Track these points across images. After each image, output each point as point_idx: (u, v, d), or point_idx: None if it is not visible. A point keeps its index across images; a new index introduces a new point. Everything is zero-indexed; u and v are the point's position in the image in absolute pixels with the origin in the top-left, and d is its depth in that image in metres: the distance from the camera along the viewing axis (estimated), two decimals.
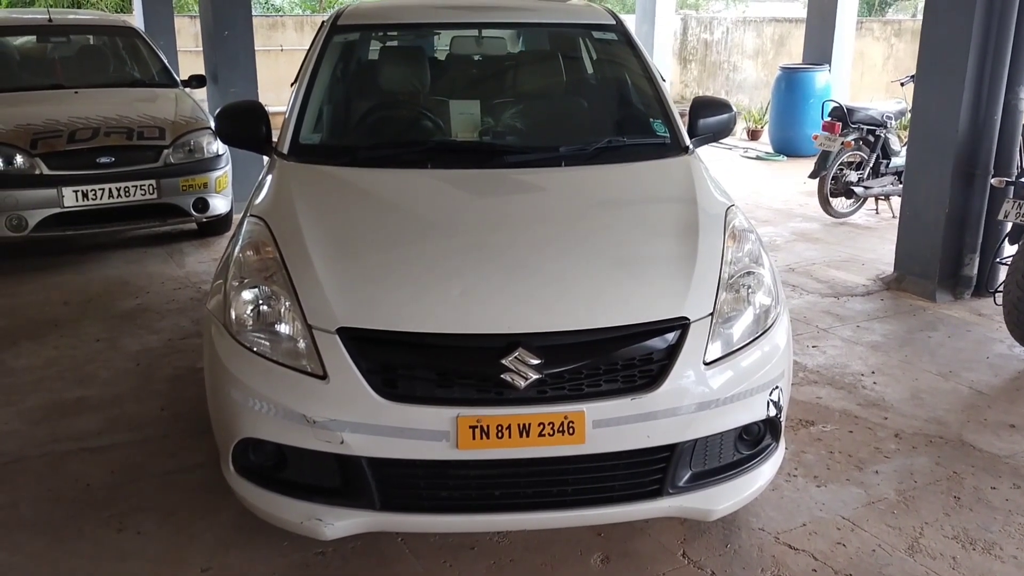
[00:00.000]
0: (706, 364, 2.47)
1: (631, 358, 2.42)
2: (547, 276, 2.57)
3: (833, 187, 7.11)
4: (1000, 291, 4.59)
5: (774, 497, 3.07)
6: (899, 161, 6.99)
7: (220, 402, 2.55)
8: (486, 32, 4.29)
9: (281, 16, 18.75)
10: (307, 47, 3.90)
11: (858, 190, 7.08)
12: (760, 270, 2.75)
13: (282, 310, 2.51)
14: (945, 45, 5.05)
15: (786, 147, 10.20)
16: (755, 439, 2.68)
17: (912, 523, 2.96)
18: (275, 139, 3.43)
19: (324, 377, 2.36)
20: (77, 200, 5.55)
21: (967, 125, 5.02)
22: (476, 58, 4.27)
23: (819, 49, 10.12)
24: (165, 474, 3.23)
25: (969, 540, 2.88)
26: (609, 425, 2.36)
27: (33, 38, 7.23)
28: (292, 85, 3.86)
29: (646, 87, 3.71)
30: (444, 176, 3.19)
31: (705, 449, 2.53)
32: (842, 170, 7.11)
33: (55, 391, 3.94)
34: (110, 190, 5.62)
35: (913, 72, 5.62)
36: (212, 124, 5.96)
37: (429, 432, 2.32)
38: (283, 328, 2.49)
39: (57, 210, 5.52)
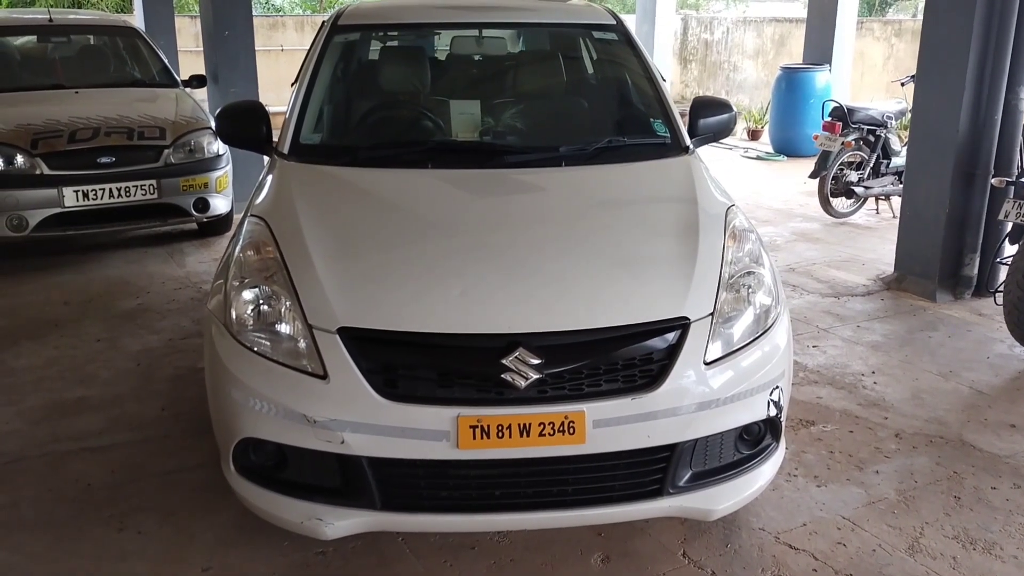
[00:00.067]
0: (706, 364, 2.47)
1: (631, 358, 2.42)
2: (547, 276, 2.57)
3: (833, 187, 7.11)
4: (1000, 291, 4.59)
5: (774, 497, 3.07)
6: (899, 161, 6.99)
7: (221, 402, 2.56)
8: (486, 32, 4.29)
9: (281, 16, 18.74)
10: (307, 47, 3.90)
11: (858, 190, 7.08)
12: (760, 270, 2.75)
13: (282, 310, 2.51)
14: (945, 45, 5.05)
15: (786, 147, 10.20)
16: (755, 439, 2.68)
17: (912, 523, 2.96)
18: (275, 139, 3.44)
19: (324, 377, 2.36)
20: (77, 200, 5.55)
21: (967, 125, 5.02)
22: (476, 58, 4.27)
23: (819, 49, 10.12)
24: (166, 474, 3.24)
25: (969, 540, 2.88)
26: (609, 425, 2.36)
27: (33, 38, 7.22)
28: (292, 85, 3.86)
29: (646, 87, 3.71)
30: (444, 176, 3.19)
31: (705, 449, 2.53)
32: (842, 170, 7.11)
33: (56, 391, 3.94)
34: (110, 190, 5.62)
35: (913, 72, 5.62)
36: (212, 124, 5.96)
37: (429, 432, 2.32)
38: (283, 328, 2.49)
39: (57, 210, 5.52)
